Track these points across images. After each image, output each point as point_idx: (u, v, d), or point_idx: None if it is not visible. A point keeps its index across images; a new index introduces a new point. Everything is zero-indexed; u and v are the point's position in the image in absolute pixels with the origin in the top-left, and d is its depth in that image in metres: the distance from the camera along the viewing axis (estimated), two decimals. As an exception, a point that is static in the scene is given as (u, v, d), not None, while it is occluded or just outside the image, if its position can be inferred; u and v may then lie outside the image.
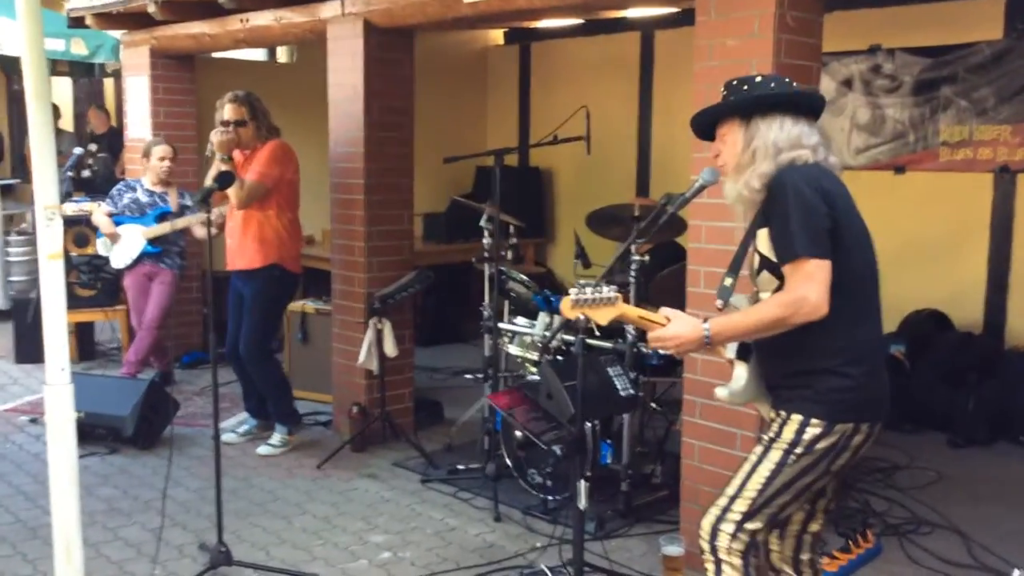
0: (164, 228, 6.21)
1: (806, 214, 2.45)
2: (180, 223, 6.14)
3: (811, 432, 2.53)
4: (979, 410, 5.60)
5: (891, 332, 6.17)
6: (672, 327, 2.60)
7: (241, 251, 5.13)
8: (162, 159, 6.37)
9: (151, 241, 6.25)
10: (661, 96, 8.06)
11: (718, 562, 2.63)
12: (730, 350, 2.71)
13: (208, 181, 4.69)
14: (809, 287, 2.43)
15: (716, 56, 3.81)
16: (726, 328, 2.57)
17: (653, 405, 5.00)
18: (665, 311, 2.64)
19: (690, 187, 2.97)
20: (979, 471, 5.19)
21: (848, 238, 2.52)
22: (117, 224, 6.30)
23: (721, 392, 2.73)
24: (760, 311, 2.52)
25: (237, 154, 5.11)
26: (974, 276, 6.33)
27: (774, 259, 2.52)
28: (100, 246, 6.45)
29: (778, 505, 2.60)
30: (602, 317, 2.57)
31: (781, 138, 2.56)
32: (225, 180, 4.31)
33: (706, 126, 2.76)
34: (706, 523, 2.65)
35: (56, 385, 3.02)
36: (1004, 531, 4.32)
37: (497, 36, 9.45)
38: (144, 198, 6.37)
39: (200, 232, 5.99)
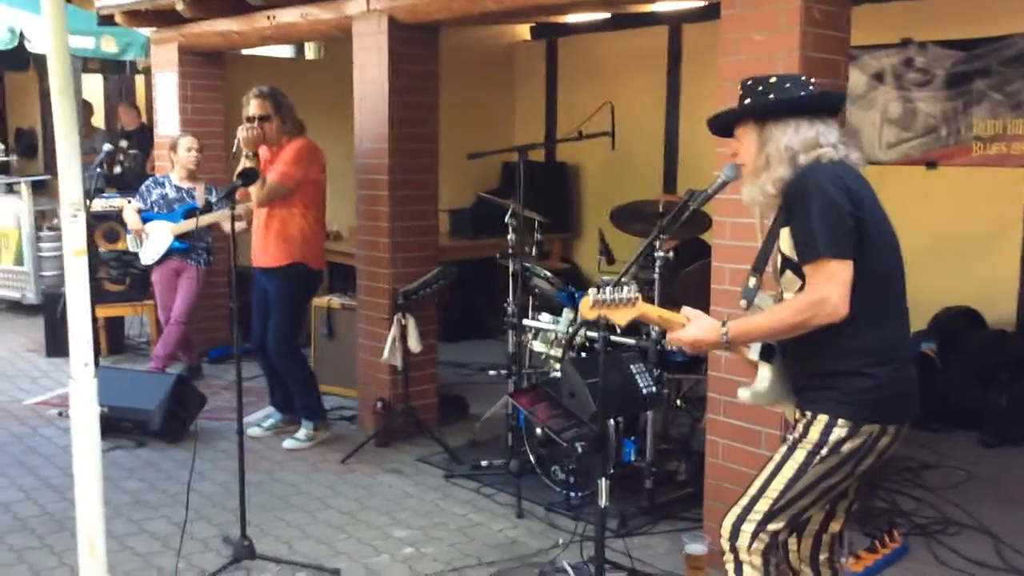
0: (190, 224, 6.26)
1: (829, 213, 2.41)
2: (206, 219, 6.18)
3: (837, 433, 2.49)
4: (1012, 409, 5.51)
5: (922, 329, 6.09)
6: (691, 328, 2.59)
7: (264, 249, 5.16)
8: (189, 149, 6.44)
9: (178, 237, 6.32)
10: (689, 91, 8.01)
11: (739, 562, 2.61)
12: (754, 351, 2.68)
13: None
14: (830, 288, 2.40)
15: (742, 50, 3.77)
16: (745, 330, 2.55)
17: (678, 402, 4.97)
18: (686, 311, 2.62)
19: (712, 183, 2.95)
20: (1011, 471, 5.11)
21: (873, 237, 2.48)
22: (146, 220, 6.37)
23: (744, 394, 2.70)
24: (780, 313, 2.50)
25: (264, 150, 5.13)
26: (1007, 272, 6.23)
27: (796, 258, 2.49)
28: (130, 242, 6.52)
29: (801, 506, 2.57)
30: (621, 318, 2.56)
31: (796, 142, 2.53)
32: (249, 176, 4.34)
33: (724, 126, 2.74)
34: (727, 523, 2.63)
35: (80, 380, 3.04)
36: (1035, 532, 4.26)
37: (524, 31, 9.42)
38: (172, 194, 6.43)
39: (229, 226, 6.02)
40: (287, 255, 5.11)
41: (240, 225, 5.30)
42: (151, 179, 6.67)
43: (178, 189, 6.46)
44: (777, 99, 2.57)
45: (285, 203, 5.08)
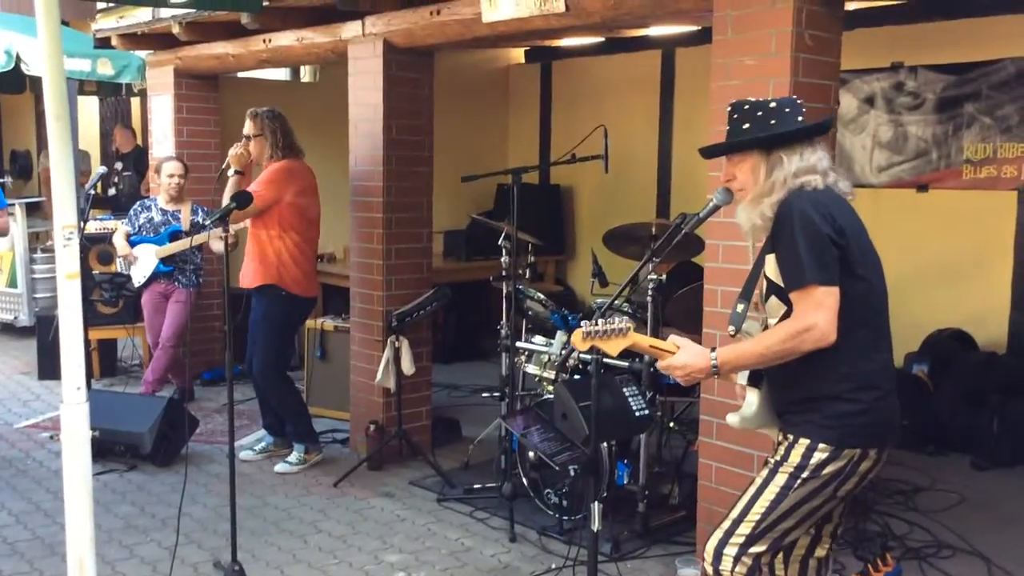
0: (176, 247, 6.27)
1: (814, 241, 2.44)
2: (193, 242, 6.16)
3: (818, 456, 2.51)
4: (1003, 431, 5.52)
5: (913, 351, 6.11)
6: (680, 356, 2.60)
7: (245, 269, 5.21)
8: (171, 176, 6.43)
9: (163, 260, 6.32)
10: (682, 114, 8.05)
11: None
12: (741, 376, 2.69)
13: (226, 199, 4.77)
14: (817, 315, 2.42)
15: (734, 75, 3.80)
16: (734, 358, 2.57)
17: (671, 425, 4.97)
18: (674, 339, 2.63)
19: (704, 207, 2.96)
20: (1003, 494, 5.11)
21: (858, 264, 2.50)
22: (133, 244, 6.37)
23: (732, 419, 2.71)
24: (768, 340, 2.51)
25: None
26: (998, 295, 6.25)
27: (782, 284, 2.50)
28: (120, 264, 6.54)
29: (782, 529, 2.58)
30: (613, 348, 2.58)
31: (801, 168, 2.56)
32: (243, 200, 4.35)
33: (722, 151, 2.74)
34: (710, 546, 2.64)
35: (72, 404, 3.03)
36: (1028, 556, 4.26)
37: (518, 55, 9.48)
38: (158, 217, 6.45)
39: (217, 246, 6.01)
40: (262, 276, 5.12)
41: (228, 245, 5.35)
42: (139, 203, 6.69)
43: (163, 212, 6.46)
44: (790, 131, 2.58)
45: (262, 224, 5.10)
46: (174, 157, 6.67)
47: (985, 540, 4.38)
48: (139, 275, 6.40)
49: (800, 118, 2.61)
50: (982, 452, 5.52)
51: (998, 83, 6.22)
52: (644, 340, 2.65)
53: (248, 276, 5.17)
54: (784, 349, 2.46)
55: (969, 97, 6.35)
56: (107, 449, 5.25)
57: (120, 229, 6.51)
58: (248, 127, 5.15)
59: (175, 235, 6.35)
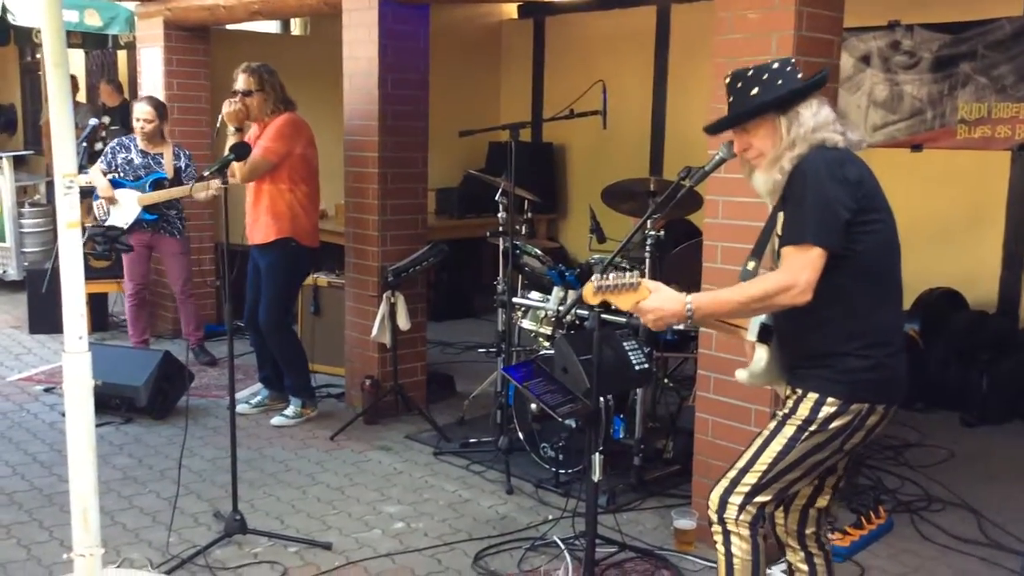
0: (160, 196, 6.06)
1: (822, 201, 2.43)
2: (176, 192, 6.01)
3: (826, 410, 2.53)
4: (992, 389, 5.59)
5: (905, 310, 6.13)
6: (652, 299, 2.53)
7: (256, 225, 5.15)
8: (137, 120, 6.13)
9: (146, 208, 6.14)
10: (677, 71, 8.00)
11: (726, 533, 2.64)
12: (751, 333, 2.68)
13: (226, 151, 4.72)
14: (803, 274, 2.42)
15: (737, 29, 3.77)
16: (709, 304, 2.54)
17: (666, 381, 5.00)
18: (648, 283, 2.57)
19: (709, 161, 2.95)
20: (992, 449, 5.19)
21: (873, 223, 2.50)
22: (114, 187, 6.16)
23: (741, 374, 2.72)
24: (746, 289, 2.50)
25: (255, 128, 5.12)
26: (989, 255, 6.30)
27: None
28: (96, 209, 6.27)
29: (788, 480, 2.61)
30: (624, 302, 2.54)
31: (819, 121, 2.54)
32: (241, 151, 4.31)
33: (735, 122, 2.66)
34: (715, 495, 2.66)
35: (74, 353, 3.02)
36: (1016, 509, 4.33)
37: (511, 10, 9.39)
38: (138, 159, 6.18)
39: (200, 196, 5.79)
40: (276, 231, 5.10)
41: (211, 193, 5.41)
42: (116, 141, 6.34)
43: (144, 154, 6.18)
44: (800, 87, 2.56)
45: (272, 179, 5.07)
46: (146, 98, 6.29)
47: (975, 494, 4.45)
48: (119, 221, 6.16)
49: (799, 75, 2.60)
50: (971, 409, 5.59)
51: (994, 42, 6.21)
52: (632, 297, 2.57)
53: (260, 232, 5.13)
54: (760, 297, 2.46)
55: (965, 56, 6.34)
56: (103, 402, 5.22)
57: (96, 167, 6.22)
58: (244, 82, 5.02)
59: (158, 183, 6.11)
